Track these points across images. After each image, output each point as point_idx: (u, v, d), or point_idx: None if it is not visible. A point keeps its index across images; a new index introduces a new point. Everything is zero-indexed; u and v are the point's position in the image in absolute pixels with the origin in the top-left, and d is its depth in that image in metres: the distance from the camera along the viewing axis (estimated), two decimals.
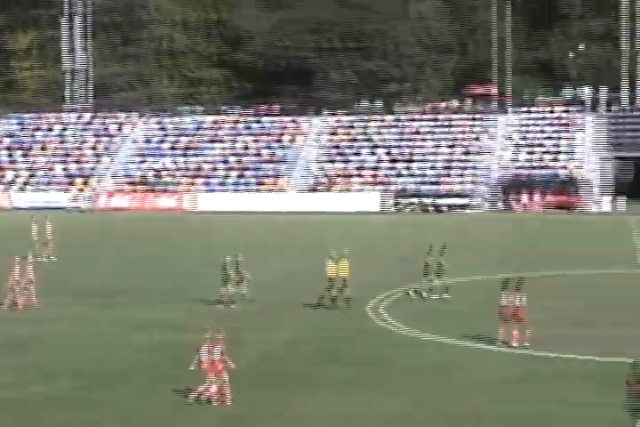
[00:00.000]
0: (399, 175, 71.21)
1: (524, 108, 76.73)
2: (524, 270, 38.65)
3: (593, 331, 29.60)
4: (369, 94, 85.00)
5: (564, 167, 69.58)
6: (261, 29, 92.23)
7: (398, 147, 74.17)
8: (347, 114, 79.29)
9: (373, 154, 73.71)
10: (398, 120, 77.18)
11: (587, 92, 77.98)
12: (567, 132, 73.63)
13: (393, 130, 76.24)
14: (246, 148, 76.47)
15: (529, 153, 71.80)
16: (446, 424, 21.41)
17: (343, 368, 25.87)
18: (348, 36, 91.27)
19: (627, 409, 19.44)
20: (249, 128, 78.98)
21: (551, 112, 75.77)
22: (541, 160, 70.96)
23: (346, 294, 32.95)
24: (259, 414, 21.80)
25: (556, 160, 70.69)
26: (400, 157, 73.00)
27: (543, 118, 75.49)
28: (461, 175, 70.40)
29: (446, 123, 76.19)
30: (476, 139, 74.10)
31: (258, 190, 71.91)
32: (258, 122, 79.36)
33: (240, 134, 78.17)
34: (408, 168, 71.77)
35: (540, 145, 72.63)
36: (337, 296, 32.94)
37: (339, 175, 71.78)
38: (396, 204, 68.24)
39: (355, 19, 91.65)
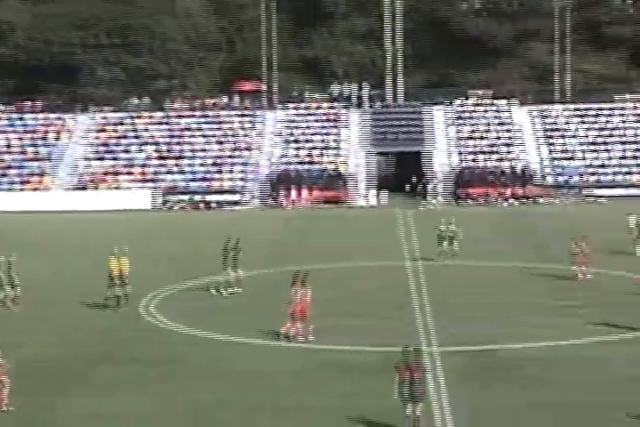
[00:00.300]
0: (169, 172, 71.11)
1: (293, 105, 77.98)
2: (293, 265, 39.51)
3: (361, 322, 30.67)
4: (137, 91, 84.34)
5: (331, 163, 71.22)
6: (23, 22, 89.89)
7: (168, 144, 73.99)
8: (114, 111, 78.44)
9: (142, 151, 73.27)
10: (167, 117, 77.01)
11: (351, 89, 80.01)
12: (333, 128, 75.38)
13: (162, 127, 76.01)
14: (9, 146, 74.50)
15: (297, 149, 73.07)
16: (223, 415, 21.90)
17: (116, 368, 25.96)
18: (115, 32, 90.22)
19: (397, 395, 20.41)
20: (12, 126, 76.93)
21: (318, 108, 77.39)
22: (309, 156, 72.36)
23: (126, 291, 33.01)
24: (36, 417, 21.68)
25: (322, 156, 72.23)
26: (169, 154, 72.89)
27: (310, 115, 77.02)
28: (231, 172, 70.95)
29: (216, 119, 76.59)
30: (245, 135, 74.86)
31: (22, 189, 70.18)
32: (21, 119, 77.42)
33: (3, 132, 76.06)
34: (177, 165, 71.74)
35: (308, 141, 74.07)
36: (121, 295, 32.93)
37: (107, 173, 70.98)
38: (166, 201, 68.09)
39: (120, 13, 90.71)
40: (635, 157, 70.86)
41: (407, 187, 67.53)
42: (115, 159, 72.74)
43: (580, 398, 22.86)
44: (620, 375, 24.71)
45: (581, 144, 72.40)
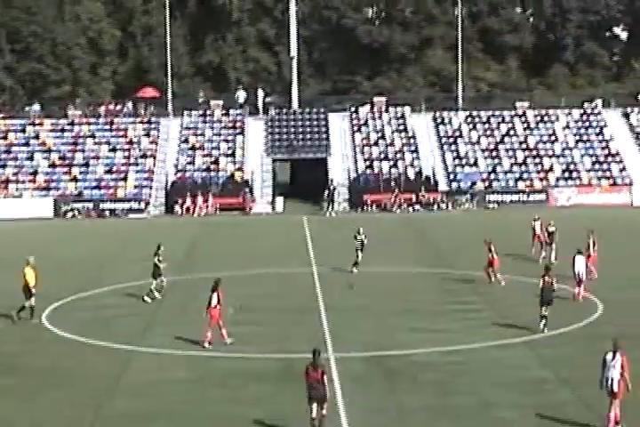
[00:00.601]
0: (70, 180, 69.93)
1: (194, 112, 77.57)
2: (198, 273, 39.37)
3: (266, 329, 30.66)
4: (37, 98, 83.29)
5: (230, 170, 71.01)
6: None
7: (69, 151, 72.87)
8: (13, 117, 76.86)
9: (43, 158, 72.02)
10: (69, 124, 75.67)
11: (251, 95, 79.93)
12: (234, 135, 75.19)
13: (63, 134, 74.89)
14: None
15: (198, 156, 72.68)
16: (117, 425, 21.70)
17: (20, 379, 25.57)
18: (10, 38, 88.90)
19: (308, 397, 20.58)
20: None
21: (219, 115, 77.11)
22: (211, 163, 72.06)
23: (31, 302, 32.52)
24: None
25: (223, 163, 71.98)
26: (70, 162, 71.80)
27: (212, 122, 76.69)
28: (126, 179, 70.20)
29: (117, 126, 75.72)
30: (146, 142, 74.11)
31: None
32: None
33: None
34: (70, 172, 70.65)
35: (209, 148, 73.75)
36: (34, 306, 32.42)
37: (8, 181, 69.58)
38: (68, 210, 67.00)
39: (14, 19, 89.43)
40: (525, 164, 72.10)
41: (325, 193, 67.21)
42: (16, 167, 71.42)
43: (481, 400, 23.15)
44: (521, 377, 25.11)
45: (478, 151, 73.44)
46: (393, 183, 68.91)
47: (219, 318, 28.65)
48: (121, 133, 75.11)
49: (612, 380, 20.71)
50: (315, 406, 20.39)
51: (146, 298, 35.73)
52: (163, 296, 36.11)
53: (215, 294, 28.62)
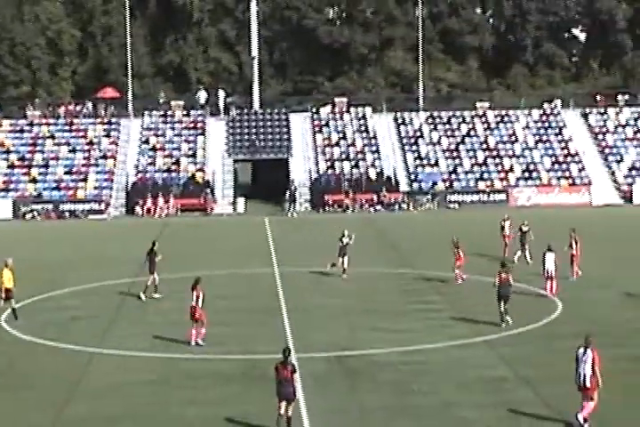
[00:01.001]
0: (29, 181, 69.50)
1: (155, 112, 77.26)
2: (160, 273, 39.08)
3: (228, 330, 30.63)
4: None
5: (191, 170, 70.85)
6: None
7: (28, 152, 72.41)
8: None
9: (3, 159, 71.54)
10: (32, 124, 75.12)
11: (212, 96, 79.77)
12: (194, 135, 75.02)
13: (23, 134, 74.38)
14: None
15: (159, 157, 72.42)
16: None
17: None
18: None
19: (277, 394, 20.72)
20: None
21: (172, 116, 76.88)
22: (171, 164, 71.84)
23: (12, 304, 32.39)
24: None
25: (184, 164, 71.79)
26: (30, 163, 71.34)
27: (173, 122, 76.45)
28: (86, 180, 69.85)
29: (76, 127, 75.29)
30: (107, 143, 73.77)
31: None
32: None
33: None
34: (29, 173, 70.22)
35: (170, 149, 73.51)
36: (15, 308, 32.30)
37: None
38: (28, 211, 66.53)
39: None
40: (485, 164, 72.49)
41: (286, 194, 67.08)
42: None
43: (441, 400, 23.25)
44: (482, 376, 25.24)
45: (438, 151, 73.73)
46: (354, 183, 69.07)
47: (203, 315, 28.70)
48: (81, 134, 74.73)
49: (585, 375, 20.98)
50: (283, 404, 20.56)
51: (142, 296, 35.91)
52: (153, 295, 36.07)
53: (195, 293, 28.72)
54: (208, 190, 68.52)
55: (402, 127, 76.26)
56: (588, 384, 20.94)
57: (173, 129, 75.76)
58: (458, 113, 77.81)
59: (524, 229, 43.35)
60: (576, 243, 38.58)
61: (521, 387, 24.33)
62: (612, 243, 46.90)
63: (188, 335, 28.84)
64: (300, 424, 21.49)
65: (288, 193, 66.96)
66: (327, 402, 23.07)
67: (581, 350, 21.28)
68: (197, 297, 28.75)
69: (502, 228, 44.82)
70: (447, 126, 76.26)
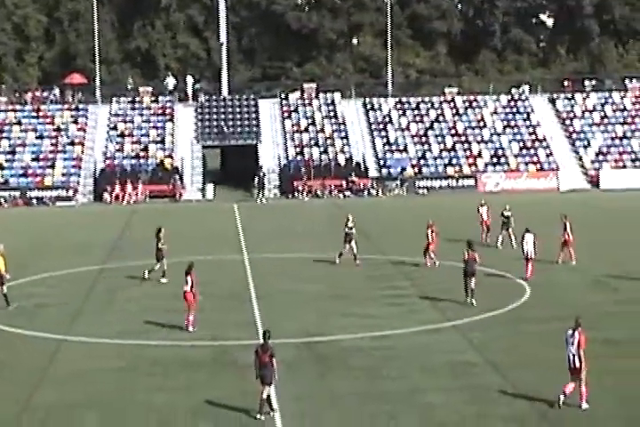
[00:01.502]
0: None
1: (123, 99, 76.80)
2: (130, 261, 39.13)
3: (198, 316, 30.47)
4: None
5: (159, 157, 70.55)
6: None
7: None
8: None
9: None
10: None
11: (181, 82, 79.40)
12: (163, 122, 74.65)
13: None
14: None
15: (127, 143, 72.02)
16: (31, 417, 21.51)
17: None
18: None
19: (256, 378, 21.04)
20: None
21: (140, 102, 76.47)
22: (140, 150, 71.50)
23: (3, 290, 32.41)
24: None
25: (153, 150, 71.46)
26: None
27: (141, 108, 76.02)
28: (54, 167, 69.38)
29: (44, 113, 74.75)
30: (74, 129, 73.29)
31: None
32: None
33: None
34: (6, 160, 69.70)
35: (138, 135, 73.13)
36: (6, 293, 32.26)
37: None
38: None
39: None
40: (454, 150, 72.62)
41: (255, 180, 66.79)
42: None
43: (410, 385, 23.32)
44: (450, 361, 25.32)
45: (407, 137, 73.77)
46: (323, 169, 69.01)
47: (193, 301, 28.79)
48: (48, 120, 74.20)
49: (573, 356, 21.39)
50: (266, 387, 20.98)
51: (146, 274, 36.36)
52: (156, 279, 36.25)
53: (189, 278, 28.81)
54: (177, 177, 68.25)
55: (371, 113, 76.22)
56: (576, 365, 21.32)
57: (142, 115, 75.36)
58: (426, 99, 77.84)
59: (507, 213, 43.50)
60: (570, 228, 38.74)
61: (489, 371, 24.44)
62: (580, 228, 47.01)
63: (186, 321, 28.90)
64: (269, 412, 21.48)
65: (257, 179, 66.80)
66: (297, 388, 23.08)
67: (570, 331, 21.65)
68: (192, 282, 28.78)
69: (479, 213, 44.94)
70: (416, 112, 76.29)
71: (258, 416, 21.02)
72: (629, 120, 75.77)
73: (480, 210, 45.08)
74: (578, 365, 21.33)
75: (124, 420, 21.21)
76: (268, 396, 21.04)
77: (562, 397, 21.37)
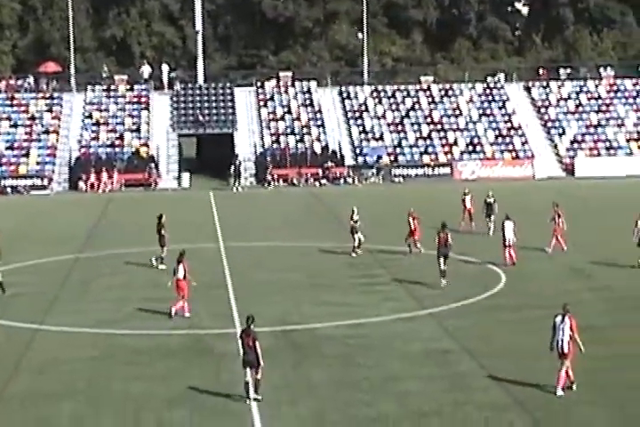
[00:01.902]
0: None
1: (99, 87, 76.35)
2: (107, 249, 39.03)
3: (163, 306, 30.47)
4: None
5: (135, 145, 70.30)
6: None
7: None
8: None
9: None
10: None
11: (149, 69, 79.01)
12: (138, 110, 74.34)
13: None
14: None
15: (102, 132, 71.67)
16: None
17: None
18: None
19: (242, 361, 21.33)
20: None
21: (115, 90, 76.09)
22: (115, 139, 71.20)
23: None
24: None
25: (123, 138, 71.17)
26: None
27: (116, 97, 75.65)
28: (28, 155, 69.01)
29: (18, 102, 74.23)
30: (49, 118, 72.89)
31: None
32: None
33: None
34: None
35: (114, 123, 72.80)
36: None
37: None
38: None
39: None
40: (429, 138, 72.68)
41: (231, 168, 66.52)
42: None
43: (386, 373, 23.36)
44: (426, 349, 25.39)
45: (383, 125, 73.79)
46: (299, 158, 68.96)
47: (186, 289, 29.01)
48: (22, 109, 73.75)
49: (562, 342, 21.54)
50: (248, 370, 21.13)
51: (154, 261, 36.51)
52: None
53: (181, 266, 28.95)
54: (152, 165, 68.05)
55: (347, 101, 76.17)
56: (566, 350, 21.53)
57: (117, 104, 75.02)
58: (402, 87, 77.84)
59: (489, 200, 43.63)
60: (559, 217, 38.87)
61: (465, 359, 24.52)
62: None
63: (177, 309, 29.03)
64: (245, 400, 21.51)
65: (233, 168, 66.67)
66: (273, 376, 23.07)
67: (559, 317, 21.82)
68: (185, 270, 28.97)
69: (463, 201, 45.05)
70: (392, 100, 76.28)
71: (247, 401, 21.15)
72: (604, 108, 76.05)
73: (464, 198, 45.23)
74: (567, 350, 21.56)
75: (99, 409, 21.16)
76: (256, 380, 21.22)
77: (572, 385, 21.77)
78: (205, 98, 76.19)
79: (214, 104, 75.51)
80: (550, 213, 39.12)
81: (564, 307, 21.86)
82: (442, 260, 32.55)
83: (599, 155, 71.84)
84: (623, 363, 23.68)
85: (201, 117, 73.37)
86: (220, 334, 27.23)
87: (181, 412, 20.85)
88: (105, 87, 76.65)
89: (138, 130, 72.44)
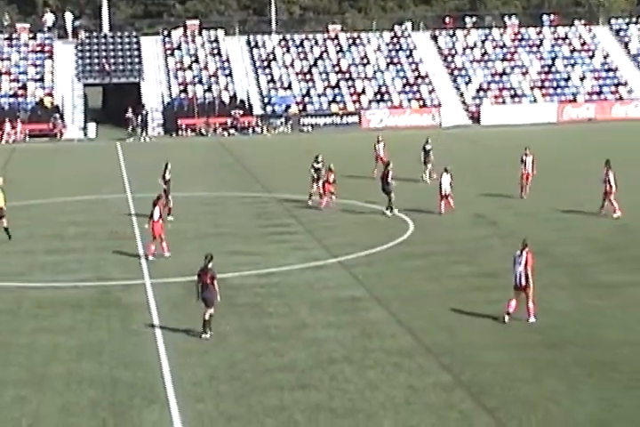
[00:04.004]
0: None
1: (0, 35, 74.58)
2: (11, 201, 38.24)
3: (82, 257, 30.20)
4: None
5: (39, 95, 68.96)
6: None
7: None
8: None
9: None
10: None
11: (52, 18, 77.36)
12: (42, 59, 72.81)
13: None
14: None
15: (5, 81, 70.11)
16: None
17: None
18: None
19: (198, 298, 22.28)
20: None
21: (17, 39, 74.32)
22: (18, 88, 69.76)
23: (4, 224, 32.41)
24: None
25: (26, 88, 69.77)
26: None
27: (14, 46, 73.94)
28: None
29: None
30: None
31: None
32: None
33: None
34: None
35: (8, 73, 71.22)
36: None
37: None
38: None
39: None
40: (338, 87, 72.60)
41: (127, 119, 65.64)
42: None
43: (296, 321, 23.50)
44: (336, 297, 25.56)
45: (292, 74, 73.45)
46: (207, 107, 68.31)
47: (161, 231, 29.66)
48: None
49: (520, 275, 22.56)
50: (206, 308, 22.14)
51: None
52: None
53: (157, 209, 29.54)
54: (57, 115, 66.88)
55: (255, 50, 75.57)
56: (523, 283, 22.51)
57: (19, 52, 73.36)
58: (310, 36, 77.44)
59: (428, 147, 43.84)
60: (531, 162, 39.23)
61: (375, 306, 24.76)
62: (462, 164, 47.65)
63: (147, 251, 29.80)
64: (155, 350, 21.48)
65: (140, 117, 65.86)
66: (183, 327, 23.06)
67: (518, 252, 22.72)
68: (160, 212, 29.63)
69: (375, 149, 45.20)
70: (300, 49, 75.89)
71: (203, 336, 22.13)
72: (509, 57, 76.69)
73: (376, 146, 45.37)
74: (524, 283, 22.47)
75: (6, 362, 20.94)
76: (211, 316, 22.12)
77: (506, 316, 22.71)
78: (111, 47, 74.93)
79: (120, 53, 74.32)
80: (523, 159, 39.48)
81: (522, 242, 22.72)
82: (388, 196, 35.77)
83: (504, 103, 72.59)
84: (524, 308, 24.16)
85: (107, 67, 72.19)
86: (128, 285, 27.09)
87: (90, 364, 20.74)
88: (6, 36, 74.86)
89: (42, 79, 71.03)
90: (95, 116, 71.09)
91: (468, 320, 23.19)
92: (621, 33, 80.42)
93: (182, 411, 18.18)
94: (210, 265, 22.23)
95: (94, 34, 76.95)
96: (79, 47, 74.63)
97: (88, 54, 74.14)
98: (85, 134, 67.16)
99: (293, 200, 39.65)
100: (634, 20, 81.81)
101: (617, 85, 74.45)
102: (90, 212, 38.54)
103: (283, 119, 68.98)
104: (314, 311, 24.36)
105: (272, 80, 72.89)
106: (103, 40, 75.90)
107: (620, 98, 73.27)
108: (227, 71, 73.10)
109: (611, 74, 75.74)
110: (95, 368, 20.47)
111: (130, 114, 64.75)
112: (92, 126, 67.74)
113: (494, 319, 23.06)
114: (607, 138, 60.92)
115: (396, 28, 79.28)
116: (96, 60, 73.32)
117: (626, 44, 79.29)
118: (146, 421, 17.88)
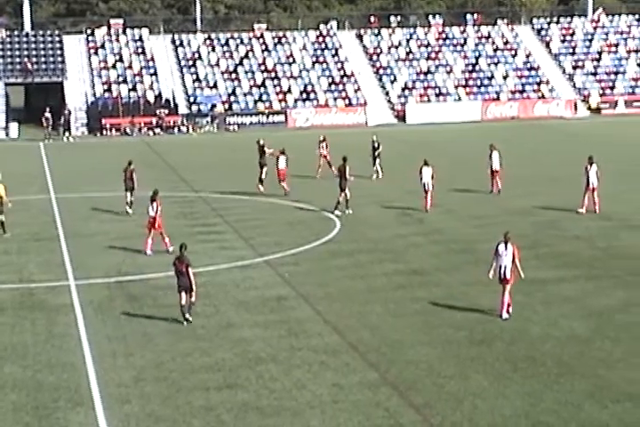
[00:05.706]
0: None
1: None
2: None
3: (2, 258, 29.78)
4: None
5: None
6: None
7: None
8: None
9: None
10: None
11: None
12: None
13: None
14: None
15: None
16: None
17: None
18: None
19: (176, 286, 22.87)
20: None
21: None
22: None
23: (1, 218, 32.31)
24: None
25: None
26: None
27: None
28: None
29: None
30: None
31: None
32: None
33: None
34: None
35: None
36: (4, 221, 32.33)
37: None
38: None
39: None
40: (264, 86, 72.53)
41: (45, 119, 64.91)
42: None
43: (222, 321, 23.40)
44: (262, 296, 25.50)
45: (217, 73, 73.21)
46: (132, 106, 67.76)
47: (160, 226, 29.95)
48: None
49: (505, 267, 22.60)
50: (183, 294, 23.05)
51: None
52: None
53: (155, 204, 29.79)
54: None
55: (180, 49, 75.19)
56: (508, 276, 22.61)
57: None
58: (236, 35, 77.30)
59: (376, 144, 44.21)
60: (497, 157, 39.43)
61: (301, 305, 24.76)
62: (388, 161, 47.86)
63: (144, 246, 29.88)
64: (80, 352, 21.25)
65: (63, 118, 65.13)
66: (108, 328, 22.85)
67: (502, 245, 22.73)
68: (158, 208, 29.79)
69: (319, 149, 45.27)
70: (225, 48, 75.69)
71: (185, 323, 22.98)
72: (433, 55, 77.27)
73: (320, 145, 45.50)
74: (509, 275, 22.57)
75: None
76: (190, 303, 23.00)
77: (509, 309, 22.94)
78: (33, 46, 74.03)
79: (42, 52, 73.44)
80: (488, 155, 39.67)
81: (505, 235, 22.80)
82: (342, 192, 35.49)
83: (429, 101, 73.12)
84: (451, 303, 24.33)
85: (29, 66, 71.28)
86: (52, 287, 26.76)
87: (13, 367, 20.45)
88: None
89: None
90: (17, 116, 70.15)
91: (394, 318, 23.31)
92: (543, 32, 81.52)
93: (108, 413, 18.01)
94: (185, 253, 23.12)
95: (15, 33, 75.96)
96: (0, 46, 73.57)
97: (9, 53, 73.16)
98: (7, 134, 66.29)
99: (220, 199, 39.48)
100: (555, 19, 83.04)
101: (539, 84, 75.42)
102: (12, 213, 37.95)
103: (208, 118, 68.74)
104: (240, 311, 24.30)
105: (197, 79, 72.59)
106: (25, 39, 74.96)
107: (542, 96, 74.24)
108: (151, 70, 72.64)
109: (533, 73, 76.71)
110: (18, 372, 20.19)
111: (48, 114, 63.90)
112: (13, 126, 66.89)
113: (421, 316, 23.18)
114: (528, 135, 61.80)
115: (322, 27, 79.44)
116: (18, 59, 72.38)
117: (547, 44, 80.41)
118: (71, 423, 17.68)
